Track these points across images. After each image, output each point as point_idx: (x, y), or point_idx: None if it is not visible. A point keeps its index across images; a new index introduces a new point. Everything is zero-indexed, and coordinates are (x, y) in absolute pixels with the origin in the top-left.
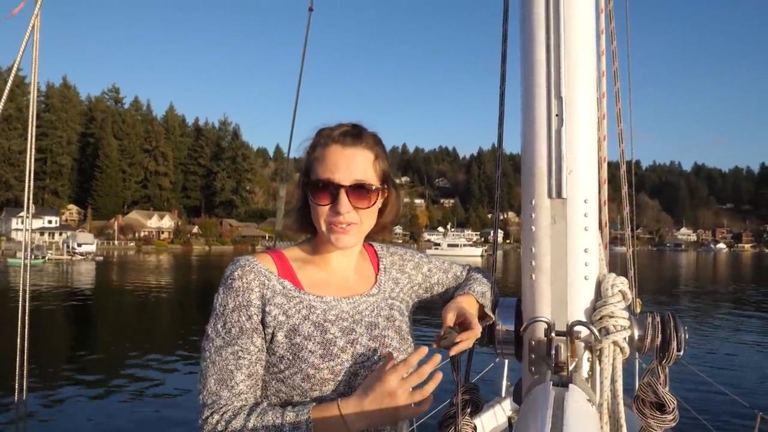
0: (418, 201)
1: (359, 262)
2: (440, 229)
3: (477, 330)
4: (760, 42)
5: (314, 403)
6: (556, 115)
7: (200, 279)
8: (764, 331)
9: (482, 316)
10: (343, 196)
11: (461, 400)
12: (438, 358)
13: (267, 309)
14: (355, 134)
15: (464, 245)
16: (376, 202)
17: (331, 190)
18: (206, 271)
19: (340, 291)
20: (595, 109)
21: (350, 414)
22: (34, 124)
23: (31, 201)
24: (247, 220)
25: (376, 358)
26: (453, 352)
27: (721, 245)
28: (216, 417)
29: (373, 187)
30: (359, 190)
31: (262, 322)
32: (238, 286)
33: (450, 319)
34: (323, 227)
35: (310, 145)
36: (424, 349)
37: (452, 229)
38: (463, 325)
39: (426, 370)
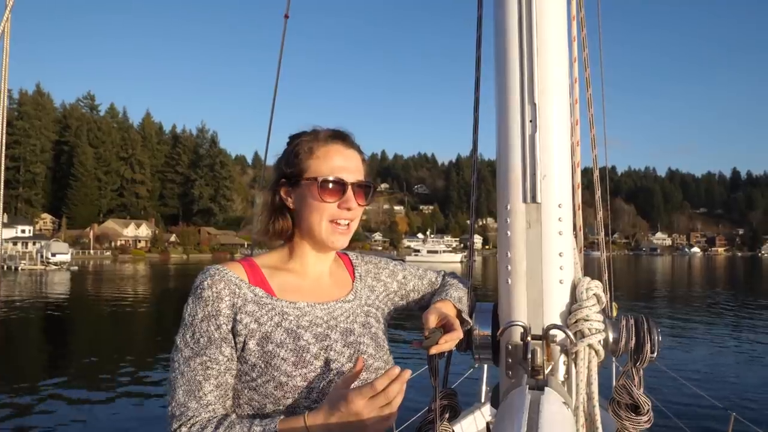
0: (397, 208)
1: (334, 268)
2: (420, 235)
3: (460, 332)
4: (733, 47)
5: (282, 416)
6: (530, 121)
7: (178, 288)
8: (737, 333)
9: (460, 321)
10: (350, 193)
11: (439, 405)
12: (407, 374)
13: (238, 317)
14: (348, 136)
15: (444, 251)
16: (369, 201)
17: (340, 187)
18: (184, 280)
19: (314, 297)
20: (569, 115)
21: (316, 429)
22: (5, 131)
23: (1, 210)
24: (225, 228)
25: (350, 365)
26: (433, 351)
27: (696, 249)
28: (184, 429)
29: (371, 186)
30: (363, 188)
31: (234, 330)
32: (208, 296)
33: (432, 321)
34: (324, 226)
35: (302, 147)
36: (394, 372)
37: (432, 236)
38: (445, 327)
39: (394, 390)
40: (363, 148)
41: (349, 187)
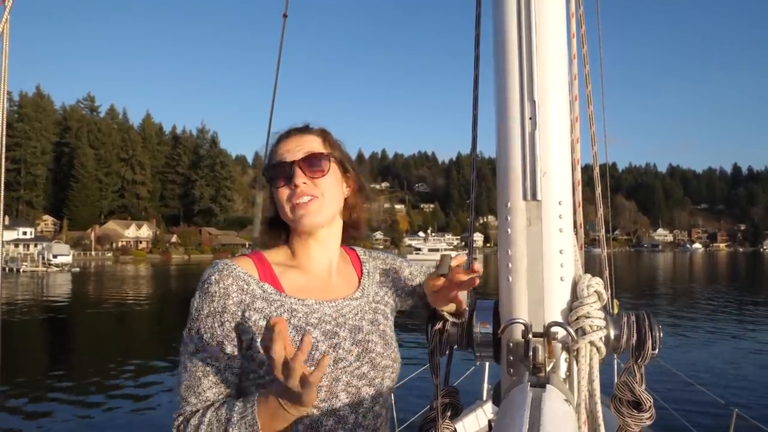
0: (398, 206)
1: (342, 265)
2: (421, 233)
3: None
4: (733, 43)
5: (263, 390)
6: (530, 118)
7: (179, 288)
8: (739, 329)
9: (460, 315)
10: (296, 170)
11: (441, 403)
12: (308, 339)
13: (246, 314)
14: (301, 128)
15: (445, 250)
16: (330, 171)
17: (285, 169)
18: (185, 280)
19: (323, 294)
20: (568, 112)
21: (278, 394)
22: (5, 133)
23: (2, 212)
24: (226, 228)
25: (358, 363)
26: (458, 276)
27: (697, 245)
28: (180, 419)
29: (325, 156)
30: (311, 160)
31: (241, 327)
32: (214, 291)
33: (430, 281)
34: (287, 210)
35: (269, 154)
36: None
37: (433, 234)
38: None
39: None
40: (363, 147)
41: (295, 164)
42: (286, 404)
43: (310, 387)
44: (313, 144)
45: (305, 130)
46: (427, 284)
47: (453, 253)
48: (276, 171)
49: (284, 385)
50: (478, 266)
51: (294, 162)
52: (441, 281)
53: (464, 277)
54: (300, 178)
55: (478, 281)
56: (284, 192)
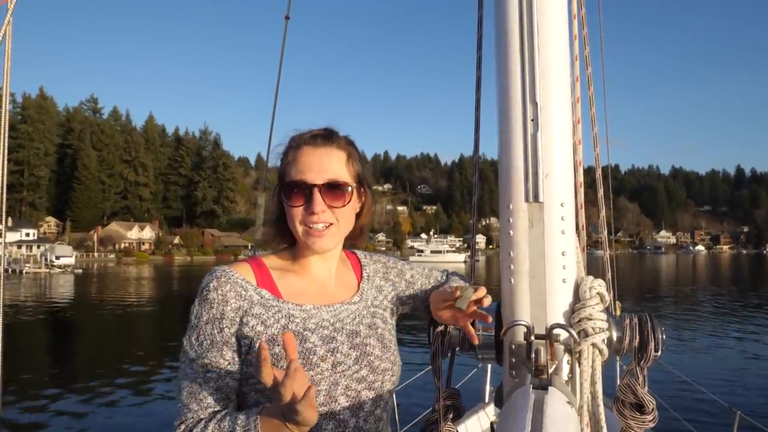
0: (400, 208)
1: (341, 269)
2: (423, 235)
3: (483, 288)
4: (737, 45)
5: (269, 404)
6: (532, 120)
7: (182, 290)
8: (742, 331)
9: None
10: (316, 195)
11: (443, 405)
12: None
13: (245, 320)
14: (326, 135)
15: (447, 251)
16: (351, 201)
17: (305, 190)
18: (188, 282)
19: (321, 299)
20: (570, 114)
21: (279, 412)
22: (7, 134)
23: (4, 213)
24: (229, 230)
25: (357, 366)
26: (472, 309)
27: (700, 247)
28: (182, 427)
29: (348, 186)
30: (333, 189)
31: (239, 333)
32: (213, 298)
33: (445, 295)
34: (299, 230)
35: (283, 152)
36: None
37: (435, 236)
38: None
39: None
40: (366, 149)
41: (315, 189)
42: (288, 423)
43: (305, 405)
44: (337, 165)
45: (330, 140)
46: (435, 305)
47: (472, 288)
48: (294, 188)
49: (281, 405)
50: (488, 302)
51: (315, 186)
52: (449, 305)
53: (475, 309)
54: (319, 206)
55: (490, 320)
56: (299, 212)
